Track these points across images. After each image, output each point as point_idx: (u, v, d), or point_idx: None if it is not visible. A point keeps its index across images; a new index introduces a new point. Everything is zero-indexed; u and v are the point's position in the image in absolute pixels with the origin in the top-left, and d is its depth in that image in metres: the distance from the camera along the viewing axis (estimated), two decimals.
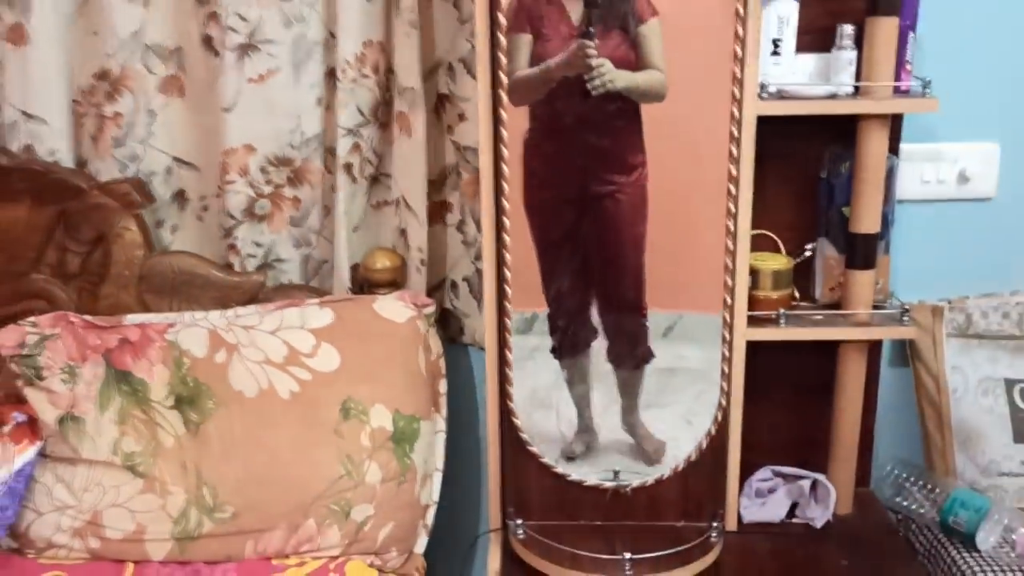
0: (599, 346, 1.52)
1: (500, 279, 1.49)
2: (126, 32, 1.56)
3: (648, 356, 1.51)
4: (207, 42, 1.57)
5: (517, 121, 1.40)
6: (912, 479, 1.68)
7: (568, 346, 1.52)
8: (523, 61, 1.38)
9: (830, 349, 1.58)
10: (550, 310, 1.50)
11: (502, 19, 1.35)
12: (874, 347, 1.61)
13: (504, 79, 1.38)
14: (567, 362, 1.53)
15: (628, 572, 1.41)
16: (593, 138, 1.41)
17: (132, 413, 1.51)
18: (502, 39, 1.36)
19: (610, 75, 1.37)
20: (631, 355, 1.52)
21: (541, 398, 1.53)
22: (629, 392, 1.53)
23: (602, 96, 1.37)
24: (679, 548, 1.45)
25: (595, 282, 1.49)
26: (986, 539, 1.56)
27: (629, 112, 1.40)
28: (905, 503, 1.67)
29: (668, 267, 1.47)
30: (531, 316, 1.53)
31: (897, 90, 1.43)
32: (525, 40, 1.38)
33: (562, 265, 1.48)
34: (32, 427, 1.53)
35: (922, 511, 1.64)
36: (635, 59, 1.37)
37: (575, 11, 1.36)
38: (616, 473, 1.53)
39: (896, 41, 1.40)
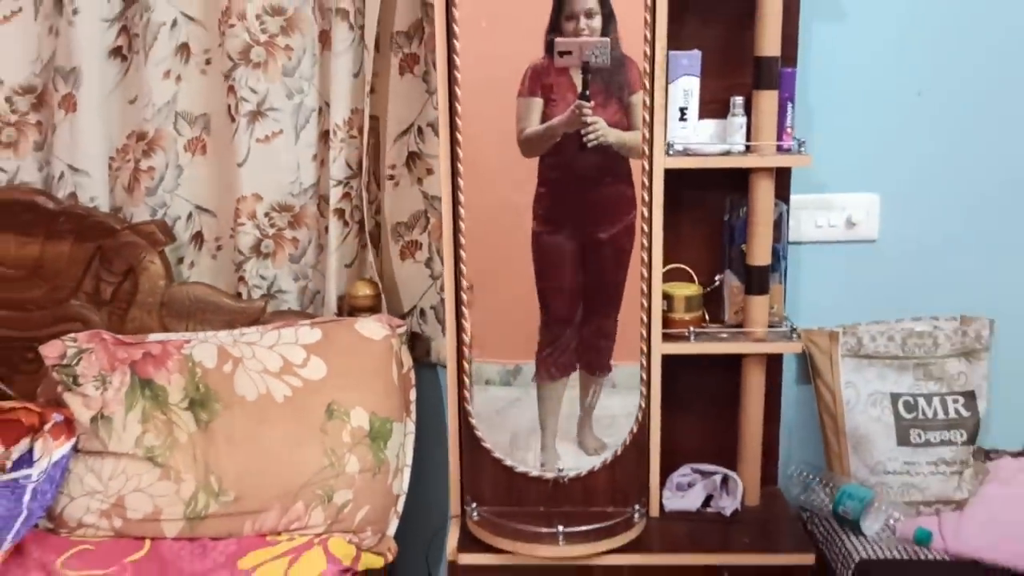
0: (574, 378, 1.83)
1: (458, 306, 1.80)
2: (162, 101, 1.91)
3: (608, 369, 1.83)
4: (227, 109, 1.91)
5: (475, 171, 1.73)
6: (814, 478, 1.97)
7: (553, 372, 1.82)
8: (535, 120, 1.71)
9: (738, 366, 1.88)
10: (541, 340, 1.80)
11: (458, 91, 1.69)
12: (773, 363, 1.91)
13: (460, 139, 1.71)
14: (547, 387, 1.83)
15: (562, 543, 1.69)
16: (590, 186, 1.73)
17: (153, 414, 1.82)
18: (459, 107, 1.70)
19: (603, 131, 1.70)
20: (598, 367, 1.83)
21: (519, 443, 1.84)
22: (591, 392, 1.83)
23: (597, 151, 1.69)
24: (606, 524, 1.73)
25: (586, 311, 1.80)
26: (871, 525, 1.85)
27: (621, 164, 1.72)
28: (807, 498, 1.96)
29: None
30: (514, 368, 1.84)
31: (780, 148, 1.76)
32: (537, 103, 1.71)
33: (561, 299, 1.80)
34: (68, 426, 1.83)
35: (821, 504, 1.93)
36: (627, 123, 1.71)
37: (579, 81, 1.70)
38: (559, 470, 1.82)
39: (776, 110, 1.73)
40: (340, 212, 1.96)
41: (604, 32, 1.67)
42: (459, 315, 1.79)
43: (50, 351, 1.82)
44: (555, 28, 1.67)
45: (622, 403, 1.83)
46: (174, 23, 1.90)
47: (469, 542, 1.78)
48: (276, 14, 1.87)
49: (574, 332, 1.82)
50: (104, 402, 1.81)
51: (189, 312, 1.96)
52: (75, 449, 1.81)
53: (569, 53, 1.66)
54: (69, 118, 1.92)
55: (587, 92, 1.68)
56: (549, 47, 1.67)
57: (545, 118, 1.71)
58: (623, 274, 1.78)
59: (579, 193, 1.74)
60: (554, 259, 1.78)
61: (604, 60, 1.65)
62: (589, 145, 1.70)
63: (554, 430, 1.85)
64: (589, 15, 1.67)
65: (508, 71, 1.70)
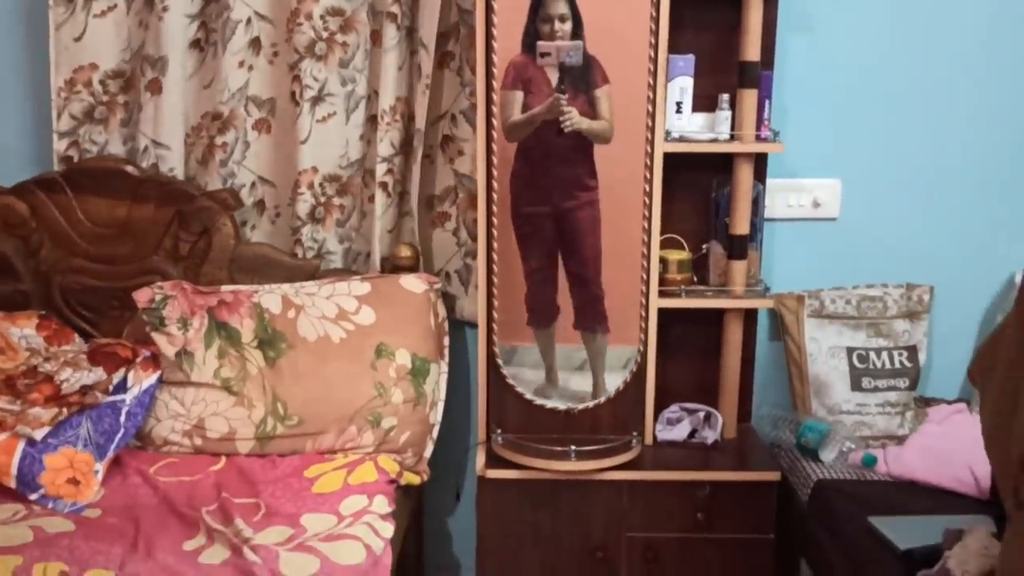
0: (563, 321, 2.17)
1: (489, 270, 2.13)
2: (236, 87, 2.23)
3: (607, 329, 2.16)
4: (290, 95, 2.24)
5: (504, 156, 2.06)
6: (781, 417, 2.33)
7: (539, 320, 2.17)
8: (516, 110, 2.05)
9: (720, 320, 2.24)
10: (528, 294, 2.14)
11: (495, 84, 2.03)
12: (750, 319, 2.28)
13: (496, 126, 2.05)
14: (539, 332, 2.18)
15: (573, 459, 2.05)
16: (561, 166, 2.07)
17: (228, 351, 2.15)
18: (495, 97, 2.04)
19: (576, 119, 2.04)
20: (593, 323, 2.16)
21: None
22: (596, 355, 2.16)
23: (570, 135, 2.03)
24: (609, 446, 2.09)
25: (568, 271, 2.13)
26: (827, 454, 2.21)
27: (586, 149, 2.06)
28: (776, 434, 2.32)
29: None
30: (510, 349, 2.17)
31: (758, 138, 2.11)
32: (518, 96, 2.05)
33: (539, 261, 2.13)
34: (155, 360, 2.15)
35: (787, 439, 2.29)
36: (593, 113, 2.05)
37: (554, 76, 2.02)
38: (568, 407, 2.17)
39: (756, 106, 2.09)
40: (384, 185, 2.29)
41: (575, 34, 1.99)
42: (490, 275, 2.13)
43: (141, 296, 2.15)
44: (531, 30, 1.99)
45: (624, 350, 2.18)
46: (248, 20, 2.22)
47: (495, 461, 2.12)
48: (336, 15, 2.20)
49: (552, 289, 2.14)
50: (186, 340, 2.13)
51: (254, 268, 2.29)
52: (160, 380, 2.14)
53: (548, 54, 1.99)
54: (154, 100, 2.24)
55: (562, 86, 2.01)
56: (527, 46, 2.00)
57: (525, 108, 2.05)
58: (598, 243, 2.11)
59: (550, 171, 2.07)
60: (530, 226, 2.10)
61: (577, 61, 1.99)
62: (566, 131, 2.03)
63: (553, 365, 2.18)
64: (562, 19, 2.00)
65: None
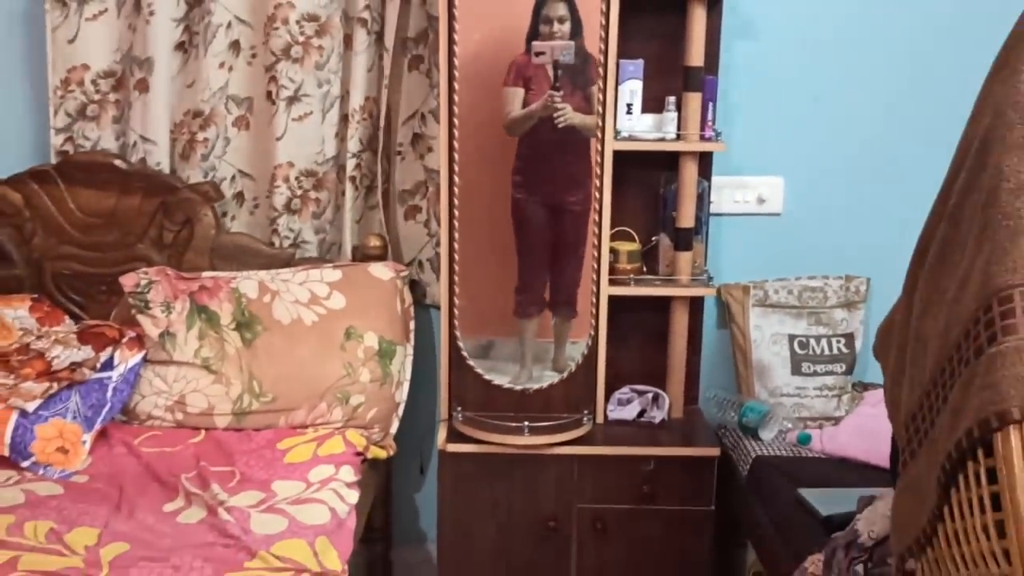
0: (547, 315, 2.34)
1: (451, 259, 2.28)
2: (216, 86, 2.39)
3: (575, 314, 2.33)
4: (267, 95, 2.40)
5: (467, 152, 2.22)
6: (726, 399, 2.49)
7: (527, 311, 2.33)
8: (517, 106, 2.20)
9: (668, 308, 2.40)
10: (519, 284, 2.30)
11: (456, 85, 2.19)
12: (696, 307, 2.44)
13: (456, 124, 2.20)
14: (524, 323, 2.34)
15: (527, 434, 2.21)
16: (559, 160, 2.21)
17: (208, 332, 2.30)
18: (456, 98, 2.19)
19: (569, 115, 2.19)
20: (566, 308, 2.34)
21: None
22: (562, 335, 2.34)
23: (566, 130, 2.18)
24: (561, 422, 2.25)
25: (553, 265, 2.29)
26: (767, 433, 2.37)
27: (583, 144, 2.22)
28: (721, 415, 2.49)
29: None
30: (486, 343, 2.32)
31: (702, 137, 2.27)
32: (519, 92, 2.20)
33: (534, 252, 2.29)
34: (139, 340, 2.31)
35: (730, 420, 2.45)
36: (588, 108, 2.20)
37: (551, 73, 2.18)
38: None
39: (700, 108, 2.25)
40: (353, 179, 2.45)
41: (573, 35, 2.16)
42: (451, 263, 2.29)
43: (127, 281, 2.30)
44: (535, 31, 2.16)
45: (577, 324, 2.35)
46: (228, 24, 2.38)
47: (455, 436, 2.28)
48: (312, 20, 2.36)
49: (543, 282, 2.32)
50: (169, 322, 2.29)
51: (233, 256, 2.45)
52: (145, 359, 2.30)
53: (543, 53, 2.15)
54: (142, 98, 2.40)
55: (557, 84, 2.17)
56: (529, 46, 2.17)
57: (525, 104, 2.21)
58: (584, 233, 2.29)
59: (549, 165, 2.24)
60: (529, 219, 2.28)
61: (570, 59, 2.15)
62: (559, 126, 2.19)
63: (531, 356, 2.35)
64: (561, 21, 2.16)
65: (494, 69, 2.21)
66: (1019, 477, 1.07)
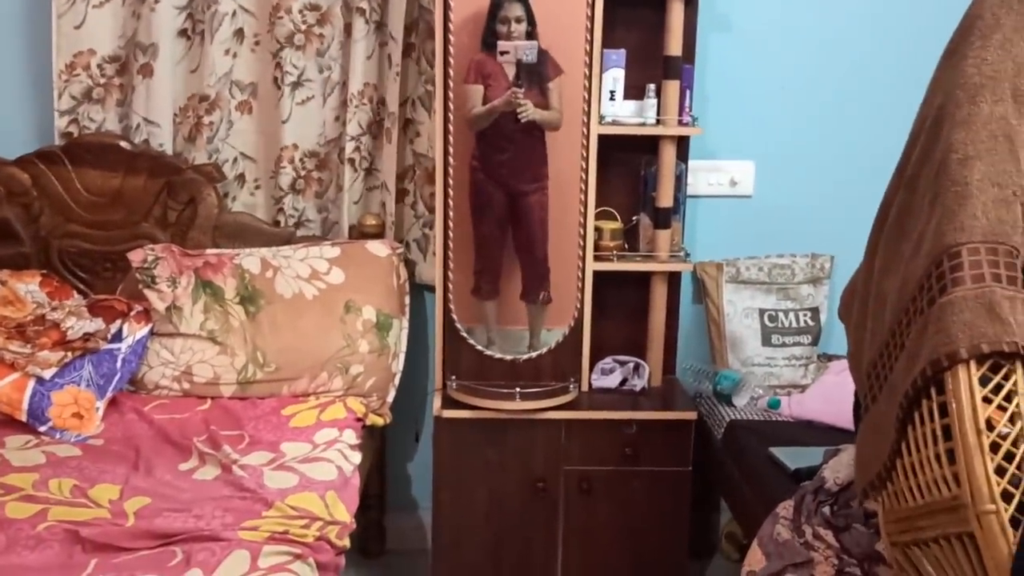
0: (503, 297, 2.46)
1: (446, 239, 2.41)
2: (221, 72, 2.50)
3: (549, 298, 2.47)
4: (272, 80, 2.52)
5: (460, 139, 2.34)
6: (702, 369, 2.66)
7: (484, 294, 2.46)
8: (478, 103, 2.33)
9: (648, 283, 2.55)
10: (476, 268, 2.41)
11: (451, 73, 2.32)
12: (674, 282, 2.59)
13: (452, 112, 2.33)
14: (484, 304, 2.47)
15: (518, 400, 2.35)
16: (517, 153, 2.35)
17: (213, 306, 2.42)
18: (451, 86, 2.33)
19: (531, 111, 2.32)
20: (537, 295, 2.46)
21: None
22: (537, 321, 2.47)
23: (525, 124, 2.31)
24: (550, 389, 2.40)
25: (519, 249, 2.42)
26: (740, 400, 2.54)
27: (540, 137, 2.34)
28: (697, 385, 2.65)
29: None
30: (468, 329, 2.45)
31: (680, 122, 2.43)
32: (479, 89, 2.33)
33: (490, 240, 2.41)
34: (146, 314, 2.41)
35: (706, 388, 2.61)
36: (546, 103, 2.34)
37: (511, 71, 2.31)
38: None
39: (678, 95, 2.41)
40: (352, 161, 2.58)
41: (530, 34, 2.28)
42: (446, 242, 2.42)
43: (135, 256, 2.41)
44: (490, 30, 2.27)
45: (554, 310, 2.49)
46: (233, 13, 2.49)
47: (450, 404, 2.42)
48: (313, 9, 2.49)
49: (499, 265, 2.43)
50: (175, 296, 2.40)
51: (235, 234, 2.56)
52: (152, 332, 2.41)
53: (508, 53, 2.28)
54: (146, 82, 2.50)
55: (519, 81, 2.31)
56: (487, 44, 2.29)
57: (485, 100, 2.34)
58: (546, 224, 2.40)
59: (507, 155, 2.36)
60: (487, 204, 2.38)
61: (533, 58, 2.28)
62: (522, 121, 2.32)
63: (496, 334, 2.47)
64: (518, 21, 2.29)
65: None
66: (966, 409, 1.24)
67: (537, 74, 2.31)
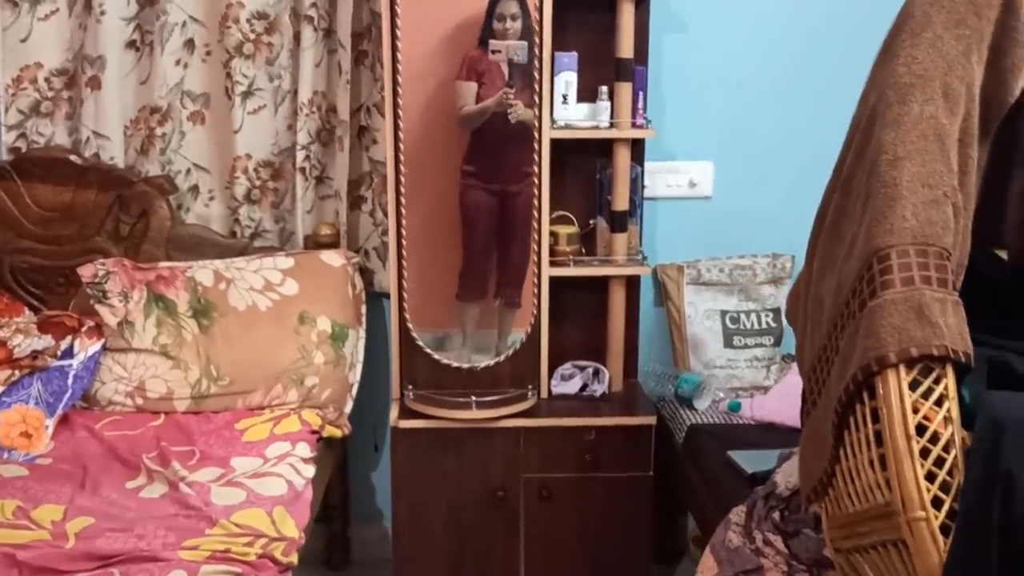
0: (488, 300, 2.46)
1: (399, 247, 2.39)
2: (172, 82, 2.48)
3: (519, 305, 2.45)
4: (224, 90, 2.49)
5: (412, 144, 2.33)
6: (664, 372, 2.64)
7: (469, 295, 2.44)
8: (471, 100, 2.31)
9: (606, 287, 2.53)
10: (463, 269, 2.39)
11: (399, 79, 2.29)
12: (633, 286, 2.57)
13: (400, 117, 2.31)
14: (466, 307, 2.45)
15: (474, 409, 2.33)
16: (508, 152, 2.33)
17: (165, 320, 2.39)
18: (400, 91, 2.30)
19: (520, 111, 2.31)
20: (514, 298, 2.45)
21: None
22: (506, 323, 2.46)
23: (517, 124, 2.30)
24: (507, 396, 2.37)
25: (501, 249, 2.40)
26: (701, 402, 2.52)
27: (530, 137, 2.32)
28: (659, 388, 2.63)
29: None
30: (441, 336, 2.42)
31: (634, 125, 2.41)
32: (472, 87, 2.31)
33: (479, 240, 2.39)
34: (98, 330, 2.39)
35: (667, 392, 2.59)
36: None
37: (506, 70, 2.30)
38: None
39: (631, 97, 2.39)
40: (303, 170, 2.55)
41: (525, 32, 2.28)
42: (400, 250, 2.39)
43: (85, 271, 2.38)
44: (488, 27, 2.27)
45: (520, 314, 2.47)
46: (183, 24, 2.47)
47: (407, 414, 2.39)
48: (261, 18, 2.46)
49: (486, 269, 2.43)
50: (127, 311, 2.37)
51: (189, 247, 2.53)
52: (104, 347, 2.38)
53: (499, 51, 2.27)
54: (94, 95, 2.47)
55: (511, 81, 2.29)
56: (483, 41, 2.28)
57: (479, 98, 2.32)
58: (528, 218, 2.40)
59: (498, 155, 2.36)
60: (477, 206, 2.39)
61: (523, 58, 2.27)
62: (513, 121, 2.31)
63: (471, 337, 2.47)
64: (514, 18, 2.28)
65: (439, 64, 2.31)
66: (896, 414, 1.22)
67: (529, 74, 2.30)
